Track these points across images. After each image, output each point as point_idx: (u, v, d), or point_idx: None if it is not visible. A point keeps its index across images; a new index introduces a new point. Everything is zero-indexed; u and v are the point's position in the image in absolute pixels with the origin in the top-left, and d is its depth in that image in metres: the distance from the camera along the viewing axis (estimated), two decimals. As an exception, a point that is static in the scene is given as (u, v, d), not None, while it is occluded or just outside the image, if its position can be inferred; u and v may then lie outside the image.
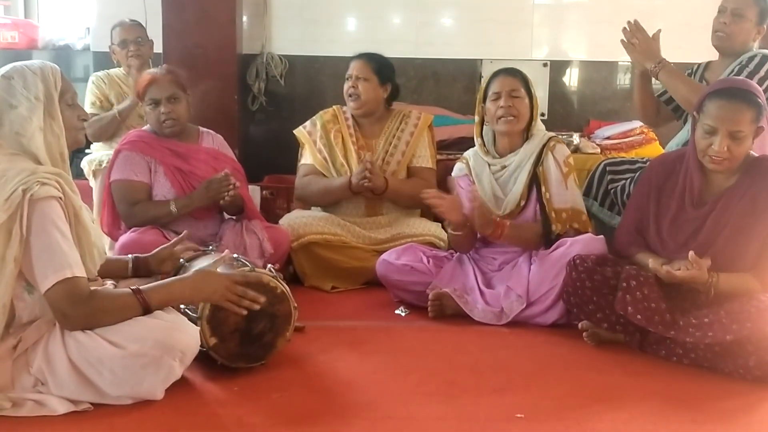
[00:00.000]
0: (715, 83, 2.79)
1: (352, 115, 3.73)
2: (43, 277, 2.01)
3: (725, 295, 2.46)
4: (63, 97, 2.16)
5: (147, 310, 2.10)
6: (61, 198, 2.06)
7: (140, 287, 2.13)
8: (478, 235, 3.16)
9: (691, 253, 2.42)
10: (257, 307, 2.25)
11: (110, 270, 2.41)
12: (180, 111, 3.22)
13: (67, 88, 2.19)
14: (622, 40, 3.20)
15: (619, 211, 3.31)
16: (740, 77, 2.97)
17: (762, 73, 3.06)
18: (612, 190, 3.39)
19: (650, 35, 3.17)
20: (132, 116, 3.96)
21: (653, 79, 3.29)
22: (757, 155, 2.62)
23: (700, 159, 2.56)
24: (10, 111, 2.09)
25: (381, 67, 3.67)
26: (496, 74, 3.14)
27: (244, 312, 2.24)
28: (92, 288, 2.09)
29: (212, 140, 3.39)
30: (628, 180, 3.33)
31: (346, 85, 3.66)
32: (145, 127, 3.36)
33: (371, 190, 3.50)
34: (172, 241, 2.62)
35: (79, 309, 2.02)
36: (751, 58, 3.14)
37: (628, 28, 3.19)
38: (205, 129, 3.41)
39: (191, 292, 2.20)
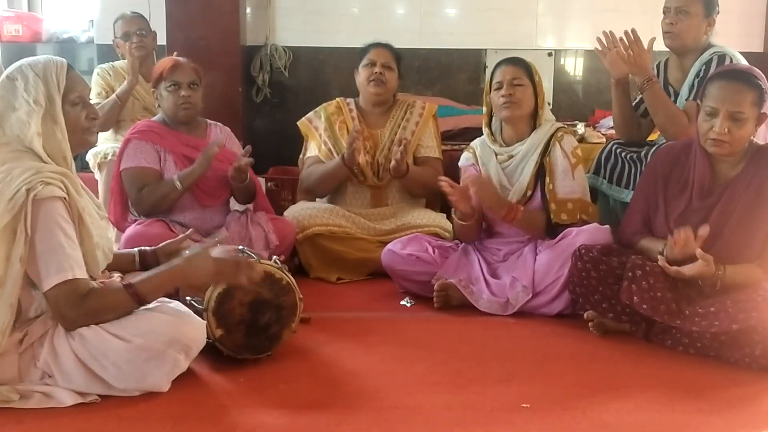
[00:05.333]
0: (716, 69, 2.78)
1: (357, 106, 3.74)
2: (45, 277, 2.01)
3: (731, 286, 2.45)
4: (67, 97, 2.12)
5: (142, 303, 2.10)
6: (65, 198, 2.05)
7: (131, 281, 2.12)
8: (483, 225, 3.16)
9: (698, 250, 2.42)
10: (257, 278, 2.21)
11: (118, 263, 2.41)
12: (197, 98, 3.25)
13: (72, 87, 2.13)
14: (617, 53, 3.11)
15: (628, 184, 3.25)
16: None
17: None
18: (625, 157, 3.28)
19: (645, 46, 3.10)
20: (138, 110, 3.97)
21: (629, 90, 3.24)
22: (761, 144, 2.61)
23: (703, 144, 2.56)
24: (12, 113, 2.08)
25: (399, 58, 3.72)
26: (499, 64, 3.14)
27: (244, 281, 2.18)
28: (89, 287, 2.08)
29: (220, 132, 3.40)
30: (643, 152, 3.24)
31: (368, 71, 3.63)
32: (154, 118, 3.37)
33: (392, 172, 3.48)
34: (179, 237, 2.63)
35: (76, 310, 2.03)
36: (708, 64, 3.10)
37: (626, 40, 3.09)
38: (212, 121, 3.42)
39: (181, 277, 2.18)
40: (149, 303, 2.12)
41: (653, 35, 3.24)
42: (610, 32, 3.17)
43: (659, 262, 2.50)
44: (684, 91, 3.19)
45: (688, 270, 2.44)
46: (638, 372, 2.38)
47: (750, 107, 2.48)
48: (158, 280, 2.15)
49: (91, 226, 2.14)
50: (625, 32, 3.12)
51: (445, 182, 2.96)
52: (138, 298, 2.09)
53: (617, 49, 3.13)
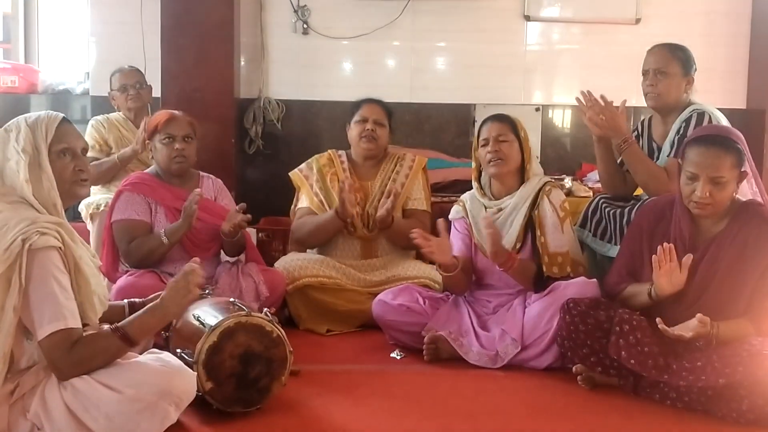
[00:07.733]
0: (695, 131, 2.85)
1: (348, 159, 3.79)
2: (39, 327, 2.02)
3: (725, 341, 2.47)
4: (54, 147, 2.14)
5: (132, 344, 2.11)
6: (60, 248, 2.07)
7: (118, 324, 2.14)
8: (473, 277, 3.19)
9: (699, 315, 2.43)
10: (200, 280, 2.24)
11: (108, 315, 2.41)
12: (191, 152, 3.30)
13: (61, 138, 2.16)
14: (590, 117, 3.17)
15: (611, 239, 3.27)
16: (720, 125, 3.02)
17: None
18: (609, 213, 3.31)
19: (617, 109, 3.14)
20: (132, 161, 4.01)
21: (612, 146, 3.28)
22: (744, 200, 2.67)
23: (687, 205, 2.61)
24: (6, 164, 2.13)
25: (390, 114, 3.79)
26: (485, 121, 3.21)
27: (198, 292, 2.22)
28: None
29: (212, 184, 3.44)
30: (627, 208, 3.26)
31: (360, 127, 3.70)
32: (147, 170, 3.41)
33: (377, 222, 3.52)
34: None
35: (68, 358, 2.03)
36: (688, 121, 3.15)
37: (595, 105, 3.15)
38: (204, 173, 3.46)
39: (163, 313, 2.20)
40: (139, 343, 2.14)
41: (639, 92, 3.32)
42: (588, 91, 3.23)
43: (659, 326, 2.49)
44: (666, 148, 3.26)
45: (687, 333, 2.44)
46: (627, 426, 2.39)
47: (729, 170, 2.54)
48: (143, 317, 2.17)
49: (89, 273, 2.16)
50: (598, 98, 3.17)
51: (417, 234, 2.98)
52: (127, 339, 2.10)
53: (592, 112, 3.19)
